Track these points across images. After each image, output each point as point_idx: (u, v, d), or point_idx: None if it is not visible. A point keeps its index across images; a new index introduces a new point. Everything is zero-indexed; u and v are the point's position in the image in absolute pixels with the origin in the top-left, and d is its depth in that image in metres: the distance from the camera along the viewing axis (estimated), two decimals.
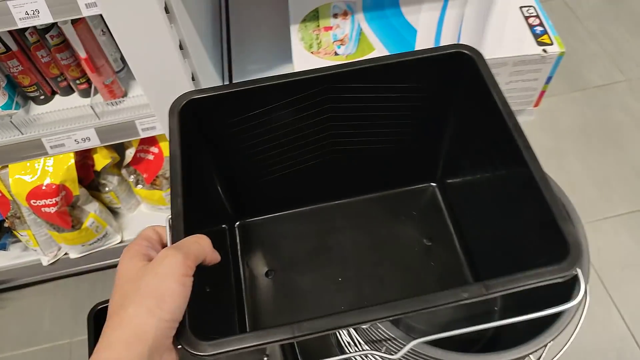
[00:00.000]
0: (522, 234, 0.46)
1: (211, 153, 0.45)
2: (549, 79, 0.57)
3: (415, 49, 0.54)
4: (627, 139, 1.26)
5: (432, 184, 0.56)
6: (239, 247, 0.52)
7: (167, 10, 0.45)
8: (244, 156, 0.47)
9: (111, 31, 0.47)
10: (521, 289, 0.35)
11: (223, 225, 0.52)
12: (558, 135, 1.27)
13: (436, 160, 0.53)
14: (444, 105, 0.47)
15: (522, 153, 0.42)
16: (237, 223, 0.54)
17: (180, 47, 0.49)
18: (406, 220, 0.53)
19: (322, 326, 0.31)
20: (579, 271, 0.41)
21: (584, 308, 0.51)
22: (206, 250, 0.34)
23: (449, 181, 0.55)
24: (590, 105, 1.32)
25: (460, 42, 0.55)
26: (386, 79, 0.43)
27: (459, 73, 0.44)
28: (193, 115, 0.41)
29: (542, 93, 0.60)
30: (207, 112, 0.41)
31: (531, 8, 0.58)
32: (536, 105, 0.62)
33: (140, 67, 0.50)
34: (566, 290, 0.51)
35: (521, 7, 0.58)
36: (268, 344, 0.31)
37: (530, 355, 0.53)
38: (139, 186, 0.94)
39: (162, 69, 0.49)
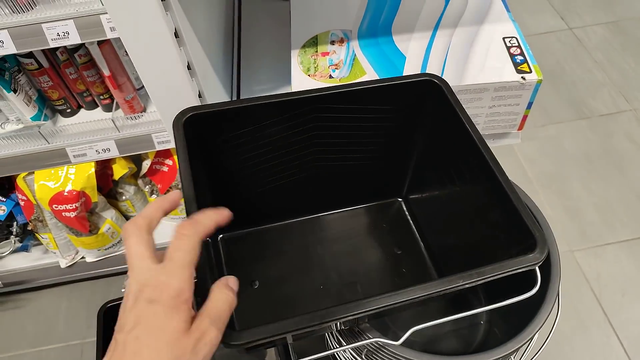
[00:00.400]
0: (490, 236, 0.50)
1: (205, 166, 0.48)
2: (529, 104, 0.61)
3: (402, 75, 0.59)
4: (631, 166, 1.27)
5: (399, 198, 0.61)
6: (222, 259, 0.55)
7: (176, 35, 0.51)
8: (233, 170, 0.50)
9: (127, 52, 0.53)
10: (497, 276, 0.39)
11: (207, 239, 0.55)
12: (562, 161, 1.29)
13: (404, 176, 0.59)
14: (414, 127, 0.52)
15: (488, 163, 0.46)
16: (220, 236, 0.57)
17: (188, 67, 0.55)
18: (378, 232, 0.58)
19: (350, 310, 0.34)
20: (537, 268, 0.45)
21: (557, 310, 0.54)
22: (207, 226, 0.33)
23: (415, 195, 0.60)
24: (595, 132, 1.35)
25: (446, 68, 0.60)
26: (364, 101, 0.47)
27: (428, 98, 0.49)
28: (192, 129, 0.44)
29: (525, 117, 0.64)
30: (203, 127, 0.44)
31: (513, 39, 0.63)
32: (520, 128, 0.66)
33: (152, 85, 0.56)
34: (541, 299, 0.54)
35: (504, 38, 0.63)
36: (308, 329, 0.33)
37: (511, 357, 0.56)
38: (154, 196, 1.01)
39: (171, 87, 0.55)
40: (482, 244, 0.51)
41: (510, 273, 0.40)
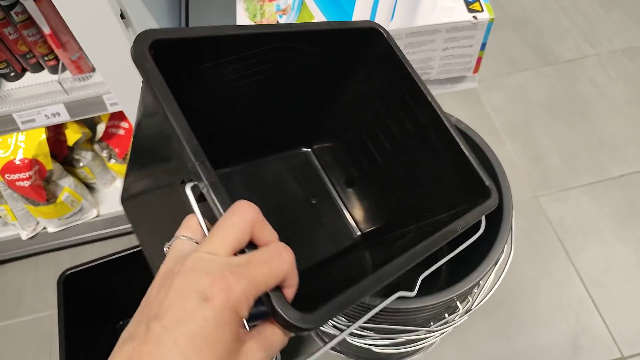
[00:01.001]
0: (435, 187, 0.50)
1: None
2: (483, 45, 0.60)
3: (351, 19, 0.57)
4: (594, 112, 1.28)
5: (306, 149, 0.58)
6: None
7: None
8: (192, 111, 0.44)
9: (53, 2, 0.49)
10: (465, 228, 0.41)
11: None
12: (527, 110, 1.30)
13: (337, 122, 0.56)
14: (352, 74, 0.50)
15: (436, 112, 0.46)
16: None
17: (122, 17, 0.51)
18: (295, 183, 0.56)
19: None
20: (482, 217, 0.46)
21: (510, 250, 0.55)
22: (285, 270, 0.27)
23: (341, 144, 0.57)
24: (559, 79, 1.35)
25: (396, 11, 0.58)
26: (320, 44, 0.44)
27: (370, 46, 0.48)
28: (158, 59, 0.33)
29: (479, 59, 0.62)
30: (166, 58, 0.33)
31: None
32: (475, 71, 0.65)
33: (83, 37, 0.53)
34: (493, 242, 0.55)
35: None
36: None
37: (468, 296, 0.57)
38: (112, 161, 0.98)
39: (105, 39, 0.52)
40: (424, 196, 0.51)
41: (472, 223, 0.42)
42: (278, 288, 0.27)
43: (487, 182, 0.45)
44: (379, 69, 0.49)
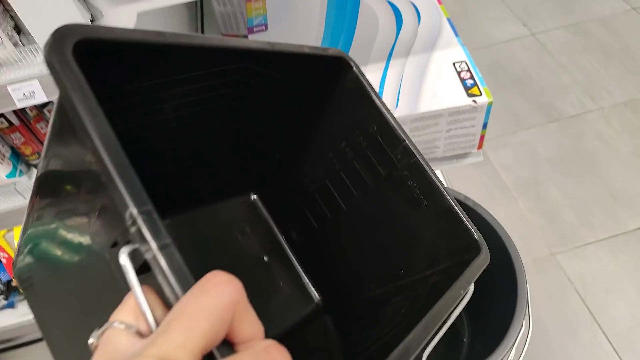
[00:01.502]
0: (412, 241, 0.43)
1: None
2: (485, 125, 0.64)
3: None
4: (603, 165, 1.30)
5: (254, 195, 0.50)
6: None
7: None
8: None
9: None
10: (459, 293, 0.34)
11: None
12: (536, 166, 1.32)
13: (293, 167, 0.49)
14: (319, 106, 0.44)
15: (408, 146, 0.40)
16: None
17: None
18: (244, 237, 0.49)
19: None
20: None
21: (529, 320, 0.56)
22: None
23: (299, 193, 0.49)
24: (565, 134, 1.38)
25: (400, 99, 0.62)
26: (275, 67, 0.37)
27: (339, 78, 0.42)
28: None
29: (482, 137, 0.66)
30: (94, 63, 0.24)
31: (463, 63, 0.65)
32: (479, 148, 0.68)
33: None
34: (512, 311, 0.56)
35: (454, 63, 0.65)
36: None
37: None
38: None
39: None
40: (400, 251, 0.44)
41: (472, 284, 0.36)
42: None
43: (476, 235, 0.39)
44: (346, 105, 0.43)
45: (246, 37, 0.91)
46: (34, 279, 0.36)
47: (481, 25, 1.66)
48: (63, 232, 0.29)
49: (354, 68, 0.41)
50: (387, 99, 0.62)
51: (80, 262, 0.28)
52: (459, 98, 0.61)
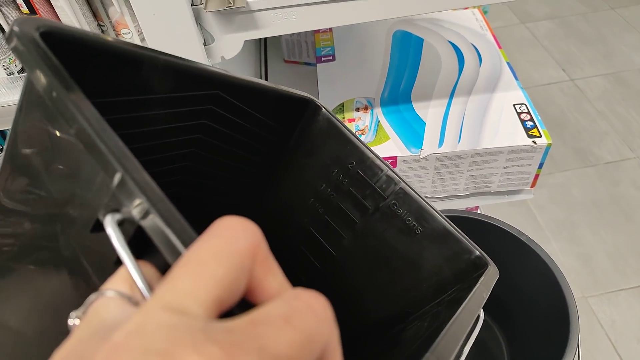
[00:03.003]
0: (412, 269, 0.40)
1: None
2: (541, 165, 0.67)
3: (422, 139, 0.65)
4: (638, 214, 1.31)
5: None
6: None
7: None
8: None
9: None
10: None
11: None
12: (571, 209, 1.34)
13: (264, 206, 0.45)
14: (294, 147, 0.43)
15: (391, 174, 0.39)
16: None
17: None
18: None
19: None
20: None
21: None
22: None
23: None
24: (601, 180, 1.40)
25: (462, 134, 0.66)
26: (250, 101, 0.36)
27: (311, 119, 0.42)
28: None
29: (537, 176, 0.69)
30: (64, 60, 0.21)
31: (523, 105, 0.69)
32: (532, 186, 0.71)
33: None
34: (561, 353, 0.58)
35: (514, 105, 0.69)
36: None
37: None
38: None
39: None
40: (402, 286, 0.41)
41: (485, 299, 0.34)
42: None
43: (479, 252, 0.37)
44: (321, 145, 0.41)
45: (308, 64, 0.97)
46: None
47: (521, 67, 1.71)
48: (34, 212, 0.24)
49: (323, 109, 0.41)
50: (450, 133, 0.66)
51: (43, 266, 0.24)
52: (519, 138, 0.65)
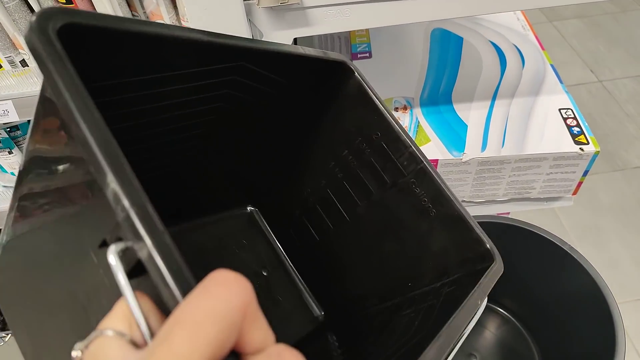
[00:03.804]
0: (420, 250, 0.41)
1: None
2: (585, 172, 0.65)
3: (464, 142, 0.64)
4: None
5: (252, 207, 0.48)
6: None
7: None
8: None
9: None
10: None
11: None
12: (597, 213, 1.31)
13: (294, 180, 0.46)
14: (320, 112, 0.43)
15: (415, 152, 0.39)
16: None
17: None
18: (241, 250, 0.46)
19: None
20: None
21: None
22: None
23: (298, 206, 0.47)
24: (630, 185, 1.37)
25: (506, 139, 0.64)
26: (275, 68, 0.35)
27: (341, 83, 0.41)
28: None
29: (580, 183, 0.67)
30: (81, 52, 0.21)
31: (569, 110, 0.67)
32: (574, 194, 0.69)
33: None
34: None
35: (560, 109, 0.67)
36: None
37: None
38: None
39: None
40: (407, 261, 0.41)
41: (487, 294, 0.34)
42: None
43: (488, 244, 0.37)
44: (348, 111, 0.41)
45: None
46: (7, 287, 0.32)
47: None
48: (45, 233, 0.26)
49: (356, 73, 0.39)
50: (493, 137, 0.64)
51: (64, 267, 0.25)
52: (565, 144, 0.63)
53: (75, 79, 0.19)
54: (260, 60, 0.33)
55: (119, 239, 0.18)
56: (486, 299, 0.35)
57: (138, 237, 0.17)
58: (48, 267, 0.27)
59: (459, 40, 0.80)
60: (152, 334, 0.17)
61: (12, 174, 0.95)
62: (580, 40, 1.81)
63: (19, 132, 0.89)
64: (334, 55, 0.38)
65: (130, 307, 0.17)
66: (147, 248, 0.16)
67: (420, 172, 0.39)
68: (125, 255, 0.18)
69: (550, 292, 0.68)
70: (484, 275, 0.34)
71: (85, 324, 0.20)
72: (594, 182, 1.38)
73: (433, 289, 0.38)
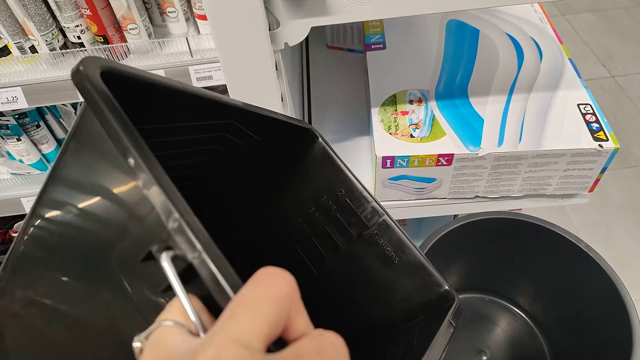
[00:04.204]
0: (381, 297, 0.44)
1: None
2: (604, 169, 0.64)
3: (481, 136, 0.62)
4: None
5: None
6: None
7: (276, 67, 0.52)
8: None
9: (227, 86, 0.53)
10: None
11: None
12: (608, 211, 1.30)
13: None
14: (290, 170, 0.47)
15: (376, 206, 0.42)
16: None
17: (281, 100, 0.58)
18: None
19: None
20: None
21: None
22: None
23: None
24: None
25: (523, 133, 0.63)
26: (257, 128, 0.39)
27: (308, 146, 0.45)
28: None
29: (597, 181, 0.66)
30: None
31: (588, 106, 0.66)
32: (590, 191, 0.68)
33: None
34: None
35: (578, 105, 0.66)
36: None
37: None
38: None
39: None
40: (378, 309, 0.45)
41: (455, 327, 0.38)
42: None
43: (447, 286, 0.41)
44: (315, 172, 0.45)
45: (352, 51, 0.94)
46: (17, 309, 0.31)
47: None
48: (78, 247, 0.27)
49: (320, 138, 0.45)
50: (510, 132, 0.63)
51: (91, 284, 0.27)
52: (584, 140, 0.61)
53: (125, 117, 0.22)
54: (244, 120, 0.37)
55: (168, 248, 0.21)
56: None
57: (191, 244, 0.19)
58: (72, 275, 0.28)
59: (475, 32, 0.78)
60: (204, 328, 0.20)
61: (20, 161, 0.94)
62: (593, 34, 1.78)
63: (27, 120, 0.88)
64: (301, 123, 0.44)
65: (183, 304, 0.20)
66: (199, 252, 0.19)
67: (383, 224, 0.43)
68: (175, 262, 0.21)
69: (564, 290, 0.67)
70: (447, 315, 0.38)
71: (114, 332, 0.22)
72: (605, 179, 1.36)
73: (403, 331, 0.42)
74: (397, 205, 0.71)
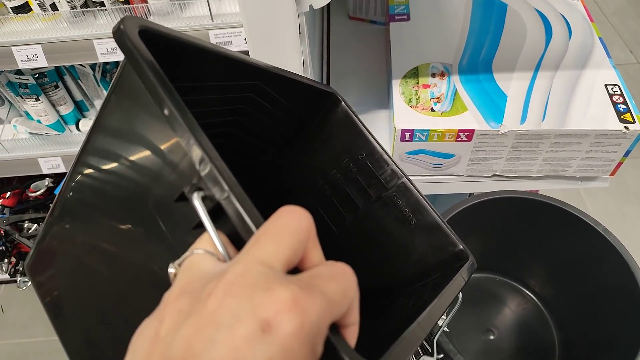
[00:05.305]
0: (401, 256, 0.46)
1: None
2: (627, 152, 0.62)
3: (503, 113, 0.61)
4: None
5: None
6: None
7: (299, 30, 0.51)
8: None
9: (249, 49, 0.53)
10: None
11: None
12: (624, 199, 1.28)
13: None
14: (313, 133, 0.48)
15: (395, 169, 0.44)
16: None
17: (302, 65, 0.57)
18: None
19: None
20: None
21: None
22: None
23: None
24: None
25: (547, 111, 0.61)
26: (282, 90, 0.40)
27: (331, 109, 0.46)
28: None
29: (620, 164, 0.64)
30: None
31: (616, 86, 0.64)
32: (612, 174, 0.66)
33: None
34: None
35: (606, 85, 0.64)
36: None
37: None
38: None
39: None
40: (392, 267, 0.46)
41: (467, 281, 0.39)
42: (334, 327, 0.20)
43: (462, 245, 0.42)
44: (337, 135, 0.47)
45: (374, 23, 0.92)
46: (62, 266, 0.35)
47: None
48: (115, 198, 0.30)
49: (343, 102, 0.46)
50: (534, 110, 0.62)
51: (130, 233, 0.29)
52: (610, 121, 0.60)
53: (157, 67, 0.24)
54: (270, 81, 0.38)
55: (199, 189, 0.23)
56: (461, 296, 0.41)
57: (219, 186, 0.22)
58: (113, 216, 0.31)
59: (503, 6, 0.76)
60: (230, 257, 0.22)
61: (39, 121, 0.95)
62: (622, 18, 1.73)
63: (46, 79, 0.89)
64: (324, 86, 0.45)
65: (212, 236, 0.22)
66: (227, 192, 0.22)
67: (401, 186, 0.44)
68: (205, 201, 0.23)
69: (578, 275, 0.67)
70: (459, 272, 0.39)
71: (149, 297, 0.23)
72: (623, 167, 1.33)
73: (416, 288, 0.43)
74: (414, 181, 0.70)
